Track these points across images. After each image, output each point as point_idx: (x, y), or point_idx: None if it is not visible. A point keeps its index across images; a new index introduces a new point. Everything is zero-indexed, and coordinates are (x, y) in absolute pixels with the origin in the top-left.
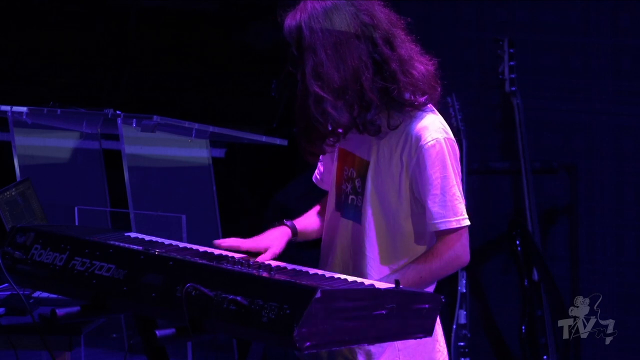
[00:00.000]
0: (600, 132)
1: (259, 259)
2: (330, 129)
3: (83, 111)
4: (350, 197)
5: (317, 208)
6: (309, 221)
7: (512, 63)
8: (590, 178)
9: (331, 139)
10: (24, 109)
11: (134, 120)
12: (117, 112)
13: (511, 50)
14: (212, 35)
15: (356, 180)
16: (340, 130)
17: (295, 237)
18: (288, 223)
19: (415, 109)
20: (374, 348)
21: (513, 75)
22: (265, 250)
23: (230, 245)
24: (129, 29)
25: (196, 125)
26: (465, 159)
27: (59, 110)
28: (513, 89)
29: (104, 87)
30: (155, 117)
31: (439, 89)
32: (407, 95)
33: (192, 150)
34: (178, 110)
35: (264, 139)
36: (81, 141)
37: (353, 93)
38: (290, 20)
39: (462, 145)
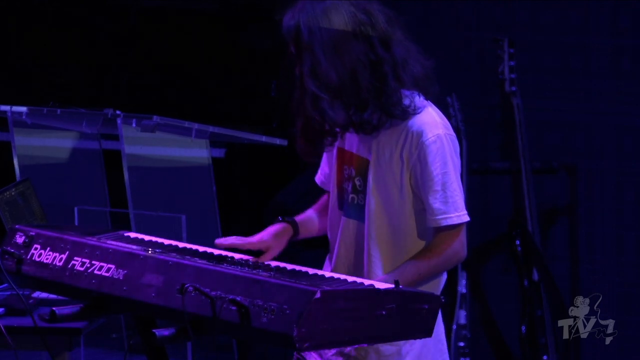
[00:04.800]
0: (600, 132)
1: (260, 259)
2: (327, 128)
3: (83, 111)
4: (351, 195)
5: (317, 205)
6: (309, 219)
7: (512, 63)
8: (590, 178)
9: (329, 138)
10: (23, 108)
11: (134, 120)
12: (117, 112)
13: (511, 50)
14: (212, 36)
15: (356, 179)
16: (337, 130)
17: (297, 236)
18: (289, 220)
19: (402, 117)
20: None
21: (513, 75)
22: (267, 250)
23: (231, 244)
24: (129, 29)
25: (196, 125)
26: (465, 159)
27: (58, 110)
28: (513, 89)
29: (104, 87)
30: (155, 117)
31: (435, 87)
32: (394, 99)
33: (192, 150)
34: (178, 110)
35: (263, 139)
36: (81, 141)
37: (350, 92)
38: (289, 20)
39: (462, 145)
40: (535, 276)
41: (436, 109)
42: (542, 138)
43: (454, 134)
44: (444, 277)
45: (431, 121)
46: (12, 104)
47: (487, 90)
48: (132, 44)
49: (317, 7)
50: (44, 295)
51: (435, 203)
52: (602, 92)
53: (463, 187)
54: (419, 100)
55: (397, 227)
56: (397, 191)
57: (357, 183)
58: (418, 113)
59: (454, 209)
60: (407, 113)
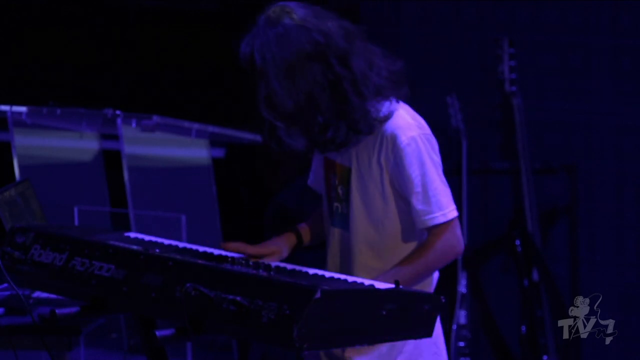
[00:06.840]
0: (600, 132)
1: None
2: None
3: (83, 111)
4: (335, 204)
5: (319, 212)
6: (311, 226)
7: (512, 63)
8: (590, 178)
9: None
10: (23, 108)
11: (134, 120)
12: (117, 112)
13: (511, 50)
14: (212, 36)
15: (339, 188)
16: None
17: (301, 244)
18: (292, 229)
19: (368, 131)
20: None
21: (513, 75)
22: (271, 254)
23: (236, 248)
24: (129, 29)
25: (196, 125)
26: (465, 159)
27: (58, 110)
28: (513, 89)
29: (104, 86)
30: (155, 117)
31: (404, 90)
32: (358, 115)
33: (192, 150)
34: (178, 110)
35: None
36: (81, 141)
37: (308, 116)
38: (245, 47)
39: (462, 145)
40: (535, 276)
41: (409, 109)
42: (542, 138)
43: (429, 132)
44: (436, 276)
45: (403, 124)
46: (12, 104)
47: (487, 90)
48: (132, 44)
49: (269, 33)
50: (44, 295)
51: (419, 205)
52: (602, 92)
53: (463, 187)
54: (389, 105)
55: (382, 232)
56: (380, 196)
57: (340, 192)
58: (390, 118)
59: (437, 208)
60: (374, 126)
